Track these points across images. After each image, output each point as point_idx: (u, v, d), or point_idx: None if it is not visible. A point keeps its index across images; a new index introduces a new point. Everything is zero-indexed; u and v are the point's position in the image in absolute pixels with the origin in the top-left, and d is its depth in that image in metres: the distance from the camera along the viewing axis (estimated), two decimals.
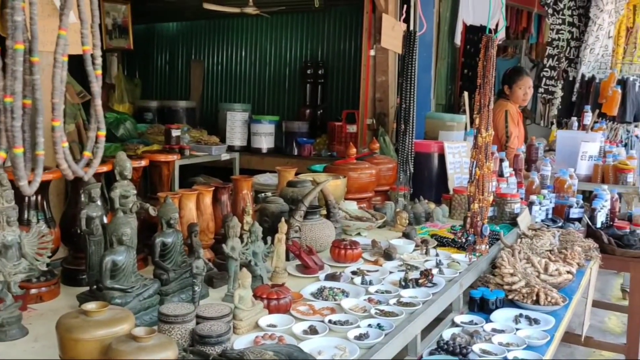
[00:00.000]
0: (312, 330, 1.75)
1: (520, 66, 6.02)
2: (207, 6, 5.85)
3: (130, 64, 8.62)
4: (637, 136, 6.93)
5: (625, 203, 4.45)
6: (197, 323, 1.57)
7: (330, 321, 1.81)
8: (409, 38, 2.96)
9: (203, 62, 8.20)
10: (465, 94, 4.75)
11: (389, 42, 3.93)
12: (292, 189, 2.72)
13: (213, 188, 2.34)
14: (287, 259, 2.33)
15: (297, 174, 3.03)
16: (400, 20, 4.49)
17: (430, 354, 1.94)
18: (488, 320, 2.19)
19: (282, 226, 2.22)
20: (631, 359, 3.47)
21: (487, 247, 2.55)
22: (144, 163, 2.33)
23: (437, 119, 4.90)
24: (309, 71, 7.05)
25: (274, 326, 1.77)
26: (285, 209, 2.56)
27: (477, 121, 2.25)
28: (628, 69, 6.26)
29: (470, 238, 2.41)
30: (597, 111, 5.54)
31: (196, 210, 2.24)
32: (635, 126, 6.95)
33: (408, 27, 3.44)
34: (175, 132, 4.98)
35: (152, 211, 1.90)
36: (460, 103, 5.64)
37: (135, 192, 1.86)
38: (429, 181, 3.70)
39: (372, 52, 4.76)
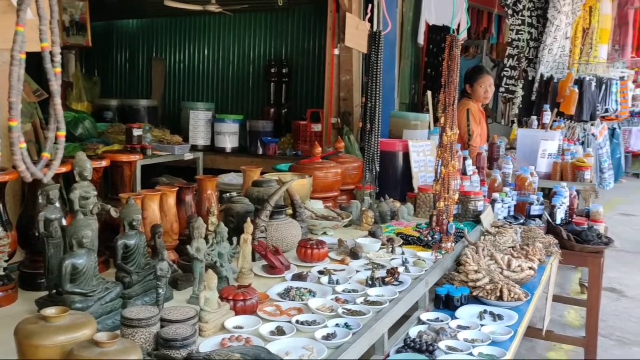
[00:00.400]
0: (280, 331, 1.74)
1: (480, 65, 6.11)
2: (169, 3, 5.76)
3: (88, 62, 8.43)
4: (593, 134, 7.11)
5: (583, 199, 4.56)
6: (162, 326, 1.54)
7: (297, 321, 1.80)
8: (373, 37, 2.97)
9: (165, 60, 8.07)
10: (429, 93, 4.80)
11: (353, 41, 3.93)
12: (258, 189, 2.69)
13: (177, 188, 2.29)
14: (253, 259, 2.31)
15: (262, 173, 3.01)
16: (364, 19, 4.50)
17: (397, 352, 1.94)
18: (453, 317, 2.21)
19: (248, 226, 2.20)
20: (590, 351, 3.56)
21: (453, 244, 2.58)
22: (104, 163, 2.27)
23: (401, 117, 4.93)
24: (273, 70, 7.01)
25: (241, 328, 1.74)
26: (251, 209, 2.53)
27: (442, 120, 2.28)
28: (584, 69, 6.42)
29: (436, 236, 2.43)
30: (556, 110, 5.67)
31: (159, 211, 2.19)
32: (592, 125, 7.14)
33: (372, 26, 3.45)
34: (136, 132, 4.88)
35: (114, 212, 1.85)
36: (423, 102, 5.70)
37: (95, 193, 1.81)
38: (394, 180, 3.72)
39: (336, 51, 4.77)
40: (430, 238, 2.52)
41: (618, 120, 8.43)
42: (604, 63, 6.70)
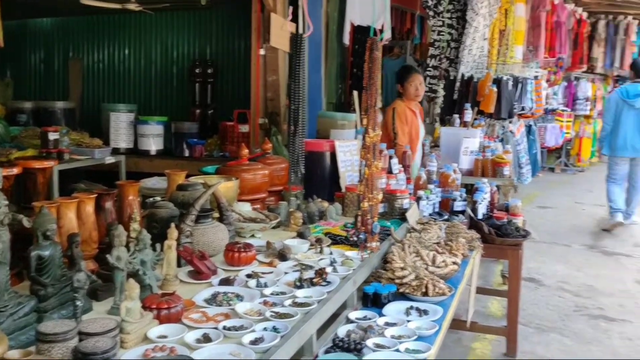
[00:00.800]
0: (206, 339, 1.70)
1: (409, 64, 6.24)
2: (85, 1, 5.53)
3: (0, 63, 7.99)
4: (511, 132, 7.42)
5: (503, 194, 4.75)
6: (80, 340, 1.47)
7: (224, 327, 1.77)
8: (295, 39, 2.96)
9: (82, 60, 7.76)
10: (355, 93, 4.85)
11: (278, 41, 3.93)
12: (183, 193, 2.63)
13: (95, 195, 2.20)
14: (179, 265, 2.25)
15: (187, 176, 2.94)
16: (287, 19, 4.50)
17: (326, 352, 1.94)
18: (381, 315, 2.24)
19: (172, 232, 2.14)
20: (511, 339, 3.71)
21: (378, 244, 2.61)
22: (16, 171, 2.15)
23: (328, 117, 4.96)
24: (197, 70, 6.89)
25: (165, 337, 1.69)
26: (176, 214, 2.47)
27: (364, 121, 2.30)
28: (502, 69, 6.67)
29: (361, 236, 2.45)
30: (476, 109, 5.87)
31: (77, 220, 2.10)
32: (510, 122, 7.45)
33: (297, 26, 3.45)
34: (52, 135, 4.66)
35: (27, 222, 1.75)
36: (350, 102, 5.76)
37: (6, 202, 1.70)
38: (322, 180, 3.72)
39: (261, 51, 4.74)
40: (356, 238, 2.54)
41: (534, 118, 8.85)
42: (519, 63, 7.00)
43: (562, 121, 10.23)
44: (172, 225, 2.17)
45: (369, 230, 2.44)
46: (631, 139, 7.06)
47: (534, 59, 8.09)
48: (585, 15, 10.35)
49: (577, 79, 10.98)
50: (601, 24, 10.83)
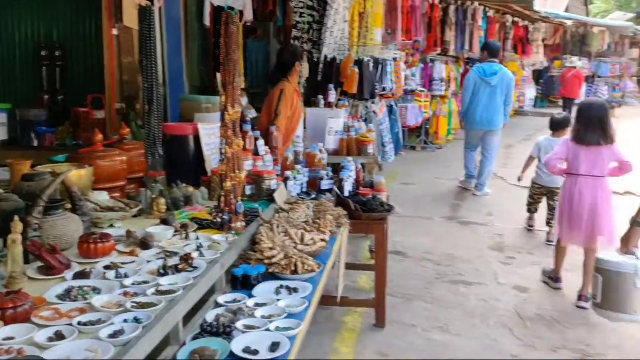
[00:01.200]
0: (58, 336, 1.57)
1: (294, 44, 6.13)
2: None
3: None
4: (374, 111, 7.70)
5: (368, 172, 4.91)
6: None
7: (79, 323, 1.64)
8: (143, 12, 2.79)
9: None
10: (219, 74, 4.72)
11: (132, 20, 3.70)
12: (28, 183, 2.41)
13: None
14: (27, 261, 2.06)
15: (34, 165, 2.69)
16: None
17: (194, 338, 1.88)
18: (250, 296, 2.21)
19: (16, 225, 1.95)
20: (379, 310, 3.86)
21: (243, 224, 2.56)
22: None
23: (192, 101, 4.81)
24: (43, 53, 6.34)
25: (12, 338, 1.54)
26: (21, 206, 2.25)
27: (222, 99, 2.23)
28: (363, 51, 6.88)
29: (225, 217, 2.39)
30: (339, 89, 6.00)
31: None
32: (372, 102, 7.72)
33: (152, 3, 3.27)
34: None
35: None
36: (215, 85, 5.62)
37: None
38: (186, 164, 3.60)
39: (114, 31, 4.46)
40: (220, 219, 2.48)
41: (394, 98, 9.24)
42: (379, 45, 7.25)
43: (420, 101, 10.76)
44: (16, 217, 1.98)
45: (233, 210, 2.39)
46: (486, 113, 7.62)
47: (392, 41, 8.43)
48: (437, 0, 10.95)
49: (432, 61, 11.60)
50: (451, 9, 11.52)
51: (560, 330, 3.94)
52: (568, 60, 17.19)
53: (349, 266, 4.63)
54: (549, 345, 3.73)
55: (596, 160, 4.35)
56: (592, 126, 4.34)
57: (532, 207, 6.25)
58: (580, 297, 4.36)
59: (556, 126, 5.92)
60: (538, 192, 6.09)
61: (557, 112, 7.01)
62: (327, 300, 3.71)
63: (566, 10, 21.87)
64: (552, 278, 4.78)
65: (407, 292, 4.51)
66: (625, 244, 3.02)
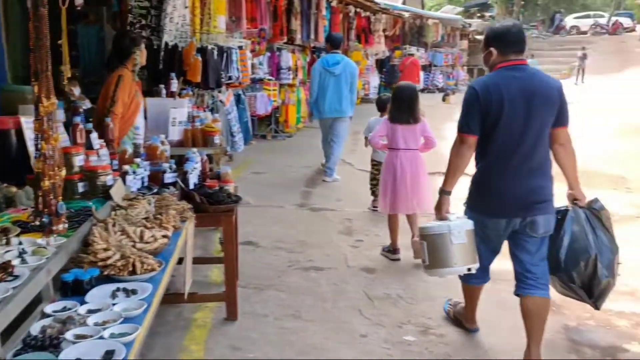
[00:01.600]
0: None
1: (132, 30, 5.74)
2: None
3: None
4: (221, 101, 7.57)
5: (215, 163, 4.80)
6: None
7: None
8: None
9: None
10: None
11: None
12: None
13: None
14: None
15: None
16: None
17: (16, 354, 1.70)
18: (83, 303, 2.05)
19: None
20: (230, 303, 3.80)
21: (66, 226, 2.36)
22: None
23: (15, 91, 4.38)
24: None
25: None
26: None
27: (36, 89, 2.02)
28: (207, 39, 6.69)
29: (44, 219, 2.19)
30: (182, 78, 5.80)
31: None
32: (219, 92, 7.58)
33: None
34: None
35: None
36: None
37: None
38: (8, 162, 3.28)
39: None
40: (39, 222, 2.26)
41: (241, 87, 9.16)
42: (223, 33, 7.10)
43: (269, 90, 10.79)
44: None
45: (54, 212, 2.18)
46: (332, 101, 7.85)
47: (237, 29, 8.32)
48: None
49: (279, 49, 11.66)
50: None
51: (405, 307, 4.16)
52: (407, 50, 18.21)
53: (200, 260, 4.52)
54: (395, 321, 3.92)
55: (411, 135, 5.02)
56: (403, 107, 4.99)
57: (375, 188, 6.54)
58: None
59: (382, 106, 6.43)
60: (376, 169, 6.40)
61: (384, 94, 7.42)
62: (176, 298, 3.58)
63: (403, 2, 23.22)
64: (390, 251, 5.09)
65: (259, 282, 4.50)
66: (439, 211, 3.37)
